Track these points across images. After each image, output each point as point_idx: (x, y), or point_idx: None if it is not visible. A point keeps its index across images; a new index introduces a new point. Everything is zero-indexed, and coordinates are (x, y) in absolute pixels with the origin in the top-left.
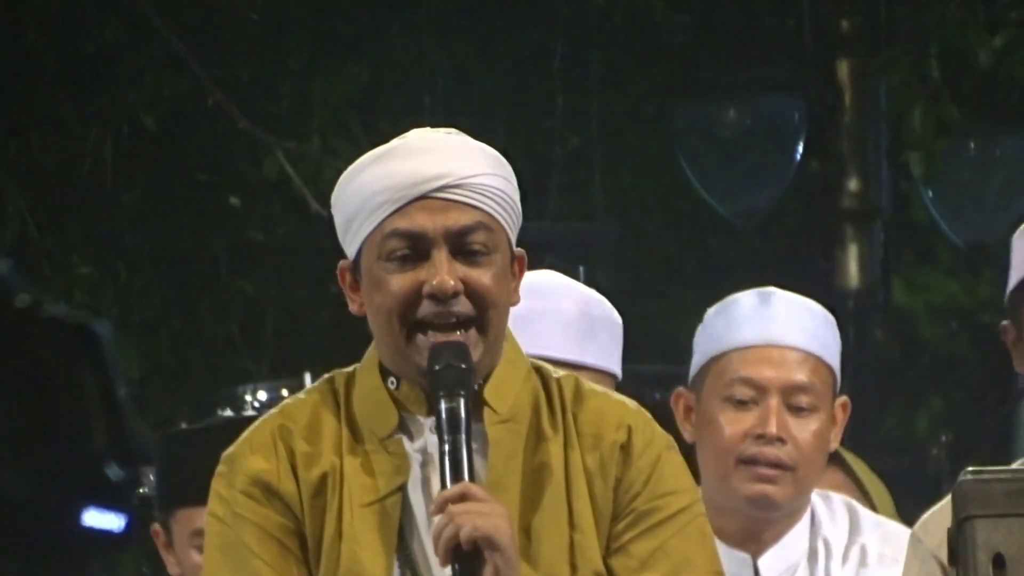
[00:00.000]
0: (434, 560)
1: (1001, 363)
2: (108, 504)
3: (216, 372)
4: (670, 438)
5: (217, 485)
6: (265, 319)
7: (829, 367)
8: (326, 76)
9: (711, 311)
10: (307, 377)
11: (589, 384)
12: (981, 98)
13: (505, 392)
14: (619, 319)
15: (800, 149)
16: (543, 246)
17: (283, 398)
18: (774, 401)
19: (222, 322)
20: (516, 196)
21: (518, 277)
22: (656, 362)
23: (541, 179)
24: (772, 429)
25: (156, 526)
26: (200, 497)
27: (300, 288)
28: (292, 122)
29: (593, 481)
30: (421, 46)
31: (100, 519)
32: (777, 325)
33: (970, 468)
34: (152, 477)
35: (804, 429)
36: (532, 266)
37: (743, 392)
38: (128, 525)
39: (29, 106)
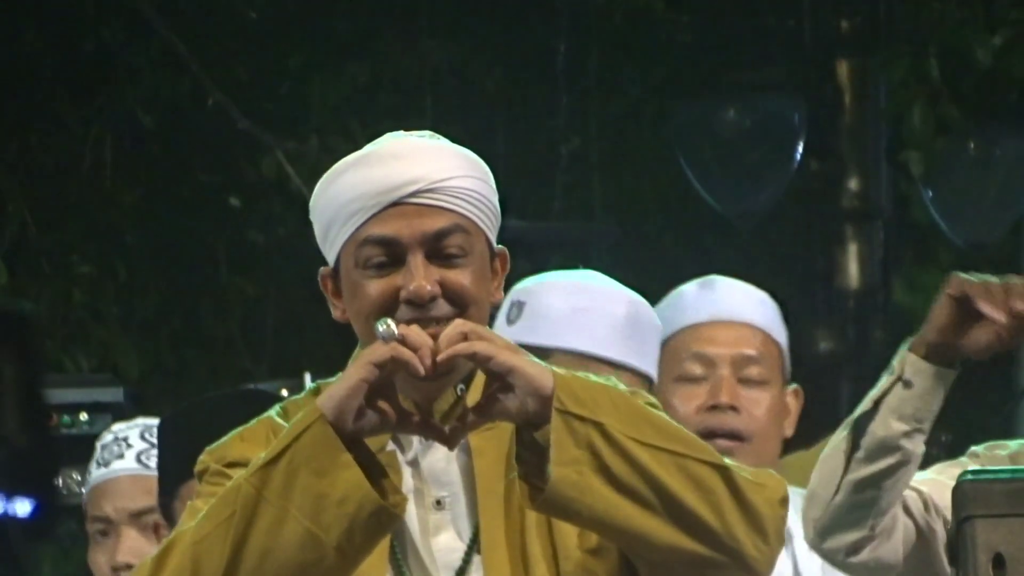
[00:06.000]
0: (426, 567)
1: (1001, 363)
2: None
3: (216, 372)
4: None
5: (200, 468)
6: (265, 319)
7: (777, 343)
8: (325, 76)
9: (657, 308)
10: (307, 377)
11: None
12: (981, 98)
13: None
14: (660, 323)
15: (800, 149)
16: (548, 247)
17: (283, 398)
18: (725, 372)
19: (222, 322)
20: (494, 196)
21: (500, 274)
22: None
23: (543, 180)
24: (724, 398)
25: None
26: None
27: (300, 288)
28: (291, 122)
29: None
30: (421, 46)
31: None
32: (722, 303)
33: (970, 468)
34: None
35: (757, 401)
36: (539, 266)
37: (694, 368)
38: (37, 513)
39: (29, 106)
